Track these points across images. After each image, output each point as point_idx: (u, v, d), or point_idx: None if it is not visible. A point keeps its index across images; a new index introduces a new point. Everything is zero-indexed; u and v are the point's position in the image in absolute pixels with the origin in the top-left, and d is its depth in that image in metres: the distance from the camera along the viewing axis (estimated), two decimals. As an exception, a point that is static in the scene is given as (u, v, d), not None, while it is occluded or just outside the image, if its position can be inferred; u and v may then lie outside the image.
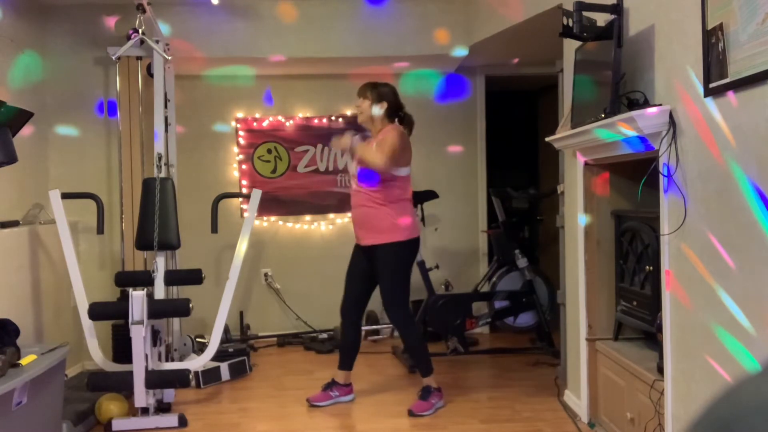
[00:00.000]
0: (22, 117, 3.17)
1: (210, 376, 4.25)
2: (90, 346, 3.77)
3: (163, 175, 4.06)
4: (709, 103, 2.19)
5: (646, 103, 2.59)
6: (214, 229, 4.17)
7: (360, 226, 3.72)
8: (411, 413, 3.62)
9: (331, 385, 3.85)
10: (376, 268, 3.70)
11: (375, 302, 5.35)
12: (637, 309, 3.09)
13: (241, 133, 5.50)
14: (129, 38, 4.27)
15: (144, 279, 3.89)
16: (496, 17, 4.44)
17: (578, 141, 3.17)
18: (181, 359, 4.32)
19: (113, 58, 4.28)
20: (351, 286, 3.83)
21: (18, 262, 3.81)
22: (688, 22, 2.32)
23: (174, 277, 4.03)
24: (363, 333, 5.47)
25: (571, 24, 2.83)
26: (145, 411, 3.49)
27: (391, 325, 5.45)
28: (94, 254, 4.83)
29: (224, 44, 4.78)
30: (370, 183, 3.62)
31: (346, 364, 3.87)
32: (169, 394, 3.73)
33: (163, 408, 3.66)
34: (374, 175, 3.59)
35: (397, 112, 3.79)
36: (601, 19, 2.84)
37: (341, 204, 5.48)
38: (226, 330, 4.93)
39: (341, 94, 5.42)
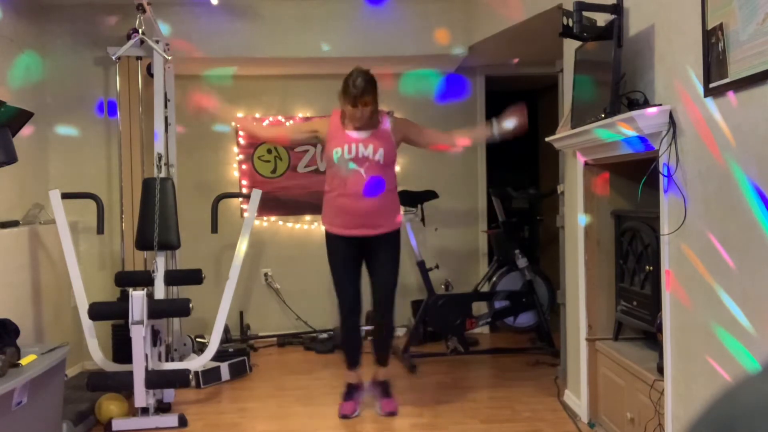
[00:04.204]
0: (22, 117, 3.16)
1: (210, 376, 4.25)
2: (90, 346, 3.78)
3: (163, 175, 4.07)
4: (709, 103, 2.19)
5: (646, 103, 2.59)
6: (214, 229, 4.17)
7: (375, 214, 3.47)
8: (393, 414, 3.60)
9: (352, 389, 3.71)
10: (386, 253, 3.57)
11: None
12: (637, 309, 3.09)
13: (241, 133, 5.50)
14: (129, 38, 4.27)
15: (144, 279, 3.89)
16: (496, 17, 4.44)
17: (578, 141, 3.17)
18: (181, 359, 4.32)
19: (113, 58, 4.28)
20: (354, 281, 3.63)
21: (18, 262, 3.81)
22: (688, 22, 2.32)
23: (174, 277, 4.03)
24: (363, 333, 5.49)
25: (571, 24, 2.83)
26: (145, 411, 3.49)
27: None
28: (94, 254, 4.83)
29: (224, 44, 4.78)
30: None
31: (358, 360, 3.76)
32: (169, 394, 3.73)
33: (163, 408, 3.66)
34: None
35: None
36: (601, 19, 2.84)
37: (341, 204, 5.47)
38: (226, 330, 4.93)
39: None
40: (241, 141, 5.51)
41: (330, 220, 3.60)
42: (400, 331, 5.36)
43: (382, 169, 3.46)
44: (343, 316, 3.68)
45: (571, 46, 3.37)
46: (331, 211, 3.58)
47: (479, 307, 5.25)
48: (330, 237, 3.62)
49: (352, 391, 3.73)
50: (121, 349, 4.12)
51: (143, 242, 3.92)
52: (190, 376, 3.56)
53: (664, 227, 2.54)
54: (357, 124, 3.46)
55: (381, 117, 3.58)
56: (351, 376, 3.76)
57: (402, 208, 3.75)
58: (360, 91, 3.36)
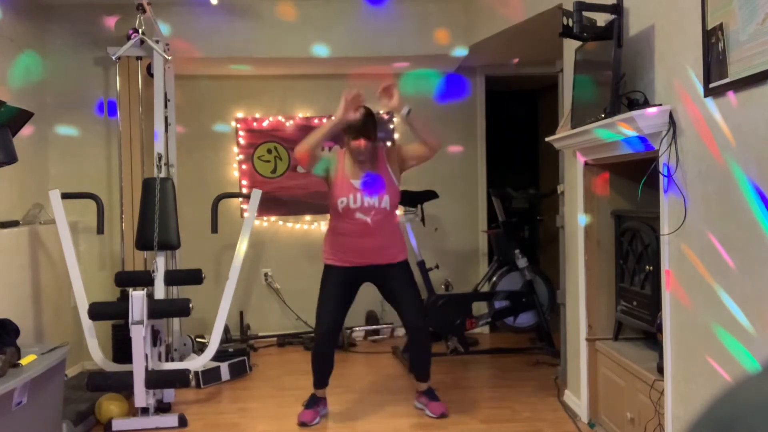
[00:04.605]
0: (22, 117, 3.16)
1: (210, 376, 4.25)
2: (90, 346, 3.78)
3: (163, 175, 4.07)
4: (709, 103, 2.19)
5: (646, 103, 2.59)
6: (214, 229, 4.17)
7: (380, 246, 3.50)
8: (444, 415, 3.56)
9: (317, 400, 3.64)
10: (400, 279, 3.55)
11: (375, 302, 5.37)
12: (637, 309, 3.09)
13: (241, 133, 5.50)
14: (129, 38, 4.27)
15: (144, 279, 3.89)
16: (496, 17, 4.44)
17: (578, 141, 3.17)
18: (181, 359, 4.32)
19: (113, 58, 4.28)
20: (337, 312, 3.57)
21: (18, 262, 3.82)
22: (688, 22, 2.32)
23: (174, 277, 4.03)
24: (363, 333, 5.50)
25: (571, 24, 2.83)
26: (145, 411, 3.49)
27: (390, 325, 5.46)
28: (94, 254, 4.84)
29: (224, 44, 4.78)
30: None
31: (327, 381, 3.68)
32: (169, 394, 3.73)
33: (163, 408, 3.66)
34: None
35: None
36: (601, 19, 2.84)
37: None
38: (226, 330, 4.93)
39: (341, 94, 5.40)
40: (241, 141, 5.51)
41: (331, 255, 3.58)
42: (400, 331, 5.37)
43: (388, 214, 3.51)
44: (319, 337, 3.61)
45: (571, 46, 3.37)
46: (333, 248, 3.57)
47: (479, 307, 5.25)
48: (328, 268, 3.59)
49: (315, 402, 3.63)
50: (121, 349, 4.12)
51: (143, 242, 3.92)
52: (190, 376, 3.56)
53: (664, 227, 2.54)
54: (360, 158, 3.48)
55: (378, 151, 3.57)
56: (318, 392, 3.67)
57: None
58: (362, 124, 3.45)
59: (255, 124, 5.51)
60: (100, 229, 3.98)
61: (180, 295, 4.38)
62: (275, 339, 5.37)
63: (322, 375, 3.64)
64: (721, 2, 2.09)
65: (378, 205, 3.47)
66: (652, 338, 2.98)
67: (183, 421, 3.52)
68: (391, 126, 5.53)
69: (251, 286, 5.52)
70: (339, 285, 3.55)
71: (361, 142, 3.45)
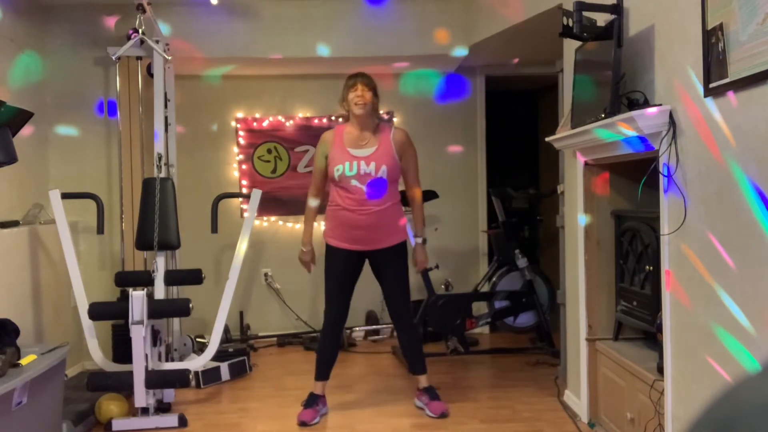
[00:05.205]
0: (22, 117, 3.16)
1: (210, 376, 4.25)
2: (90, 346, 3.78)
3: (163, 175, 4.07)
4: (709, 103, 2.19)
5: (646, 103, 2.59)
6: (214, 229, 4.17)
7: (375, 229, 3.50)
8: (444, 415, 3.56)
9: (316, 399, 3.64)
10: (393, 266, 3.56)
11: (375, 302, 5.36)
12: (637, 309, 3.09)
13: (241, 133, 5.50)
14: (129, 38, 4.27)
15: (144, 279, 3.89)
16: (496, 17, 4.44)
17: (578, 141, 3.17)
18: (181, 359, 4.32)
19: (113, 58, 4.28)
20: (345, 296, 3.62)
21: (18, 262, 3.82)
22: (688, 22, 2.32)
23: (174, 277, 4.03)
24: (363, 333, 5.50)
25: (571, 24, 2.83)
26: (145, 411, 3.49)
27: (391, 325, 5.45)
28: (94, 254, 4.83)
29: (224, 44, 4.78)
30: (381, 193, 3.48)
31: (328, 374, 3.70)
32: (169, 394, 3.73)
33: (163, 408, 3.66)
34: (383, 185, 3.47)
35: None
36: (601, 19, 2.84)
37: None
38: (226, 330, 4.93)
39: (339, 93, 5.40)
40: (241, 141, 5.51)
41: (331, 233, 3.60)
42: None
43: (387, 187, 3.50)
44: (326, 325, 3.66)
45: (571, 46, 3.37)
46: (332, 224, 3.59)
47: (479, 307, 5.25)
48: (330, 249, 3.61)
49: (314, 401, 3.62)
50: (121, 349, 4.12)
51: (143, 242, 3.92)
52: (190, 376, 3.56)
53: (664, 227, 2.54)
54: (360, 111, 3.47)
55: (383, 126, 3.60)
56: (317, 387, 3.66)
57: (402, 209, 3.75)
58: (359, 74, 3.54)
59: (255, 124, 5.51)
60: (100, 229, 3.98)
61: (180, 295, 4.38)
62: (275, 339, 5.37)
63: (325, 364, 3.66)
64: (721, 2, 2.09)
65: (374, 174, 3.45)
66: (652, 338, 2.98)
67: (183, 421, 3.52)
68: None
69: (251, 286, 5.52)
70: (342, 270, 3.57)
71: (358, 90, 3.47)
